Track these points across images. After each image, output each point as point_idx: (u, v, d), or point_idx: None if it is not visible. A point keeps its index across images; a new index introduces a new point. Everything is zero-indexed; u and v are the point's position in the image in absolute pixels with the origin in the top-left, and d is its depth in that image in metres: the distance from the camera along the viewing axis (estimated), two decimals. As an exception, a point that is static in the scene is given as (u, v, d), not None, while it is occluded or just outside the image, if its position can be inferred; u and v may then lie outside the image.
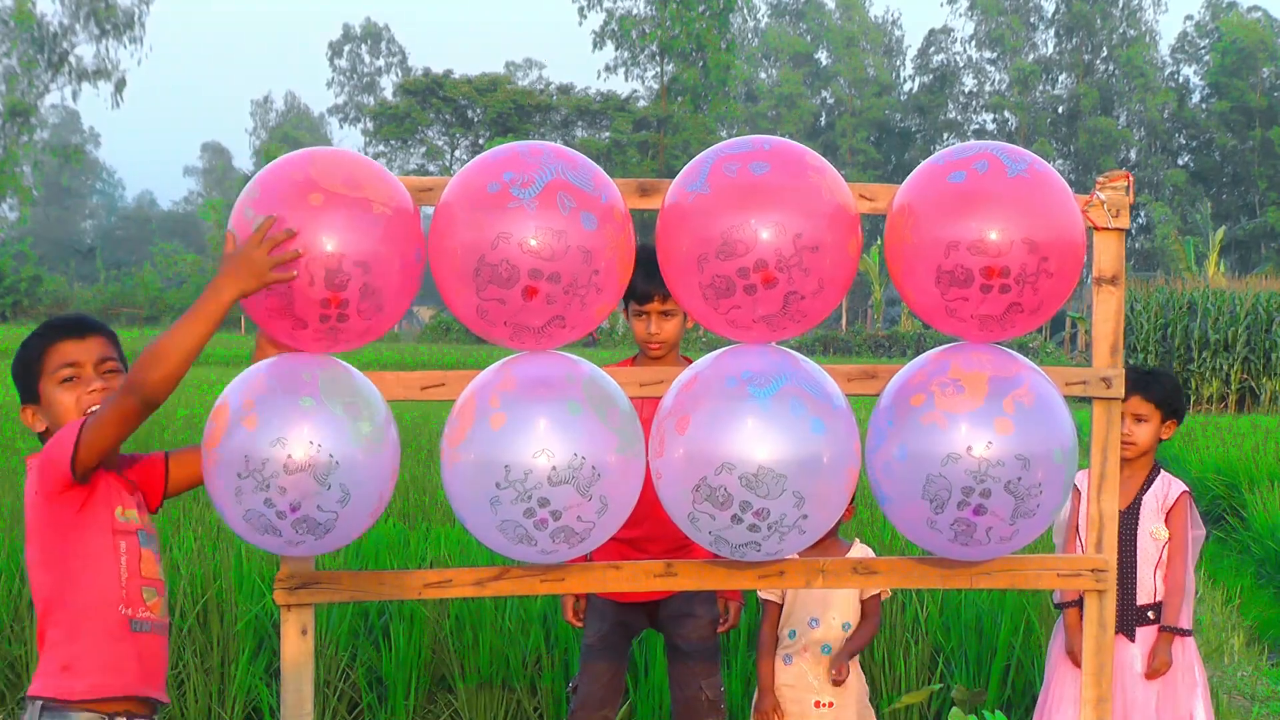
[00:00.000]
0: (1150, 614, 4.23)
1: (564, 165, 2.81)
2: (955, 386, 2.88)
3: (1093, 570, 3.22)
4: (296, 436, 2.69)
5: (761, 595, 4.17)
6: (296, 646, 3.06)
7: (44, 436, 2.87)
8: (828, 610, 4.11)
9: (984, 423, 2.83)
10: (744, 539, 2.81)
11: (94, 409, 2.76)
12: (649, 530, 3.81)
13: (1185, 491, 4.28)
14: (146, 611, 2.79)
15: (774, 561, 3.05)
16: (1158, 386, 4.25)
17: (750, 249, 2.77)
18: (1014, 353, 3.03)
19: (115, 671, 2.72)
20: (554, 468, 2.73)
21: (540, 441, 2.74)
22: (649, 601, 4.08)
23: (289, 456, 2.68)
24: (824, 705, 4.07)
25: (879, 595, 4.19)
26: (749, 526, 2.78)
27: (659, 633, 4.25)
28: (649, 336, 3.92)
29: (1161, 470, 4.33)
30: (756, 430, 2.74)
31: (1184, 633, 4.22)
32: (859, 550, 4.14)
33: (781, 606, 4.17)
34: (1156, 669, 4.18)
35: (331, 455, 2.70)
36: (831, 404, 2.85)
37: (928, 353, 3.06)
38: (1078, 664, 4.20)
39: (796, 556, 4.03)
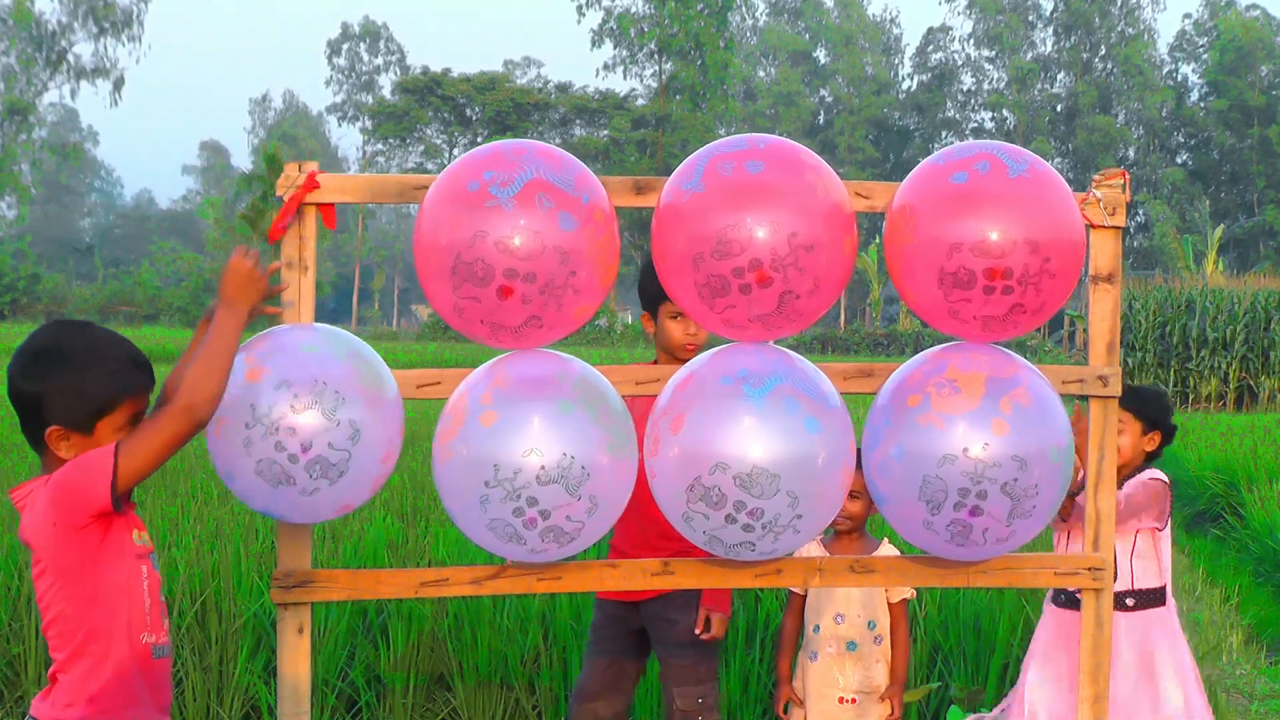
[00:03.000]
0: (1129, 600, 4.19)
1: (546, 165, 2.79)
2: (952, 387, 2.87)
3: (1090, 569, 3.22)
4: (300, 377, 2.72)
5: None
6: (293, 645, 3.06)
7: (48, 464, 2.63)
8: (852, 606, 4.09)
9: (981, 424, 2.82)
10: (738, 539, 2.81)
11: (121, 436, 2.59)
12: (647, 540, 3.81)
13: (1157, 478, 4.17)
14: (165, 636, 2.73)
15: (771, 560, 3.04)
16: (1134, 396, 4.18)
17: (745, 248, 2.75)
18: (1011, 352, 3.02)
19: (139, 705, 2.65)
20: (543, 467, 2.72)
21: (530, 440, 2.73)
22: (637, 600, 4.06)
23: (295, 397, 2.70)
24: (848, 701, 4.07)
25: (905, 600, 4.14)
26: (743, 526, 2.77)
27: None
28: (688, 338, 3.82)
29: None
30: (751, 429, 2.73)
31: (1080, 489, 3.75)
32: (886, 551, 4.09)
33: (804, 598, 4.16)
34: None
35: (337, 392, 2.72)
36: (826, 403, 2.84)
37: (925, 352, 3.05)
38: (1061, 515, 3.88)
39: (827, 553, 4.02)
